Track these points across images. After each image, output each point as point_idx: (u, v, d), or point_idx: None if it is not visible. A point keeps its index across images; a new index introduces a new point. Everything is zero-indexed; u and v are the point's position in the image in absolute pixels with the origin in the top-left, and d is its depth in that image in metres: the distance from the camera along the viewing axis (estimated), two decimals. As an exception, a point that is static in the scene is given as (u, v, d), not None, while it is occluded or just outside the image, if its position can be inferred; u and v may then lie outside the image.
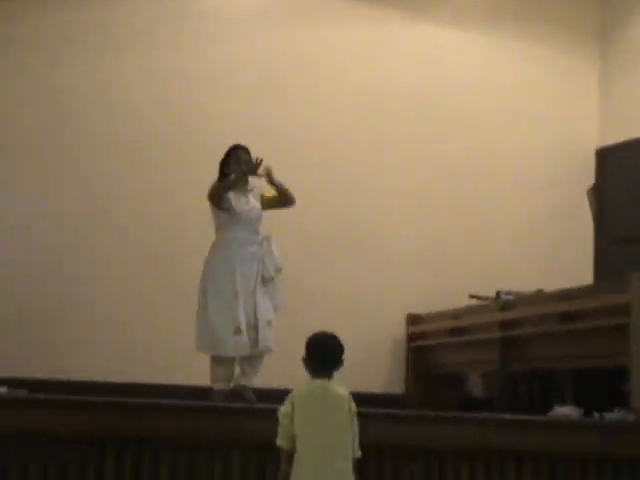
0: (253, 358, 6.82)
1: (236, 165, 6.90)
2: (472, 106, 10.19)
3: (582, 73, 10.47)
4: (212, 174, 6.98)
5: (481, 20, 10.32)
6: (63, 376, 8.36)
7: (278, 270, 6.89)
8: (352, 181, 9.76)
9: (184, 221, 9.06)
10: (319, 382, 4.65)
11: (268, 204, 7.05)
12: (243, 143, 6.99)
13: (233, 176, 6.88)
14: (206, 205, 6.91)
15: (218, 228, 6.93)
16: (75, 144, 9.24)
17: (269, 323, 6.78)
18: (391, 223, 9.83)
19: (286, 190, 6.99)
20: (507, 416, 6.34)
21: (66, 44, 9.32)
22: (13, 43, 9.21)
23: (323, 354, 4.67)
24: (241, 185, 6.93)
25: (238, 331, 6.65)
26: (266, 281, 6.83)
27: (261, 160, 6.76)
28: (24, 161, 9.17)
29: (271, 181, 6.89)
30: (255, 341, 6.72)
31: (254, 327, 6.72)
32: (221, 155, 7.03)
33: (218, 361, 6.77)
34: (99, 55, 9.38)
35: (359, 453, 4.63)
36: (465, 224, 9.99)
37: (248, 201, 6.95)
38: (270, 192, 7.01)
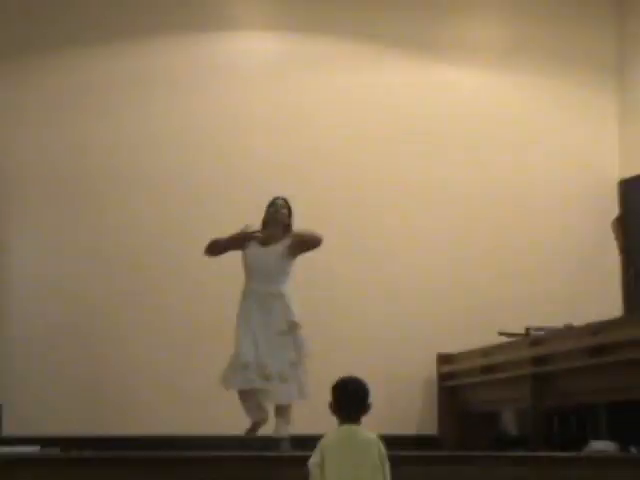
0: (279, 407, 6.95)
1: (274, 211, 7.12)
2: (493, 141, 10.20)
3: (601, 106, 10.46)
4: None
5: (497, 58, 10.35)
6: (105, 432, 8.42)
7: (293, 326, 6.92)
8: (377, 221, 9.78)
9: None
10: (346, 428, 4.60)
11: (294, 249, 7.08)
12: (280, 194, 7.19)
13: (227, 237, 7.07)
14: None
15: (245, 274, 7.10)
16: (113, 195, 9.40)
17: (282, 376, 6.84)
18: (417, 264, 9.81)
19: (307, 239, 7.06)
20: (542, 453, 6.29)
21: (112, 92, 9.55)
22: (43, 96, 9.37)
23: (349, 399, 4.63)
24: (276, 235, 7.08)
25: (244, 366, 6.77)
26: (281, 334, 6.91)
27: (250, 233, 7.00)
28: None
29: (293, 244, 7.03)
30: (276, 392, 6.85)
31: (276, 377, 6.83)
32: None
33: (240, 397, 6.91)
34: (128, 104, 9.56)
35: None
36: (491, 261, 9.96)
37: (265, 252, 7.05)
38: (296, 236, 7.08)
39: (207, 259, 7.23)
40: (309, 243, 7.08)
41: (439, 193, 10.00)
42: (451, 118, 10.12)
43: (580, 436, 7.71)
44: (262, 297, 6.95)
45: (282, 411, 6.95)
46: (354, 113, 9.93)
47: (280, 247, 7.06)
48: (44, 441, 5.98)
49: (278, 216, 7.12)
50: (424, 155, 10.01)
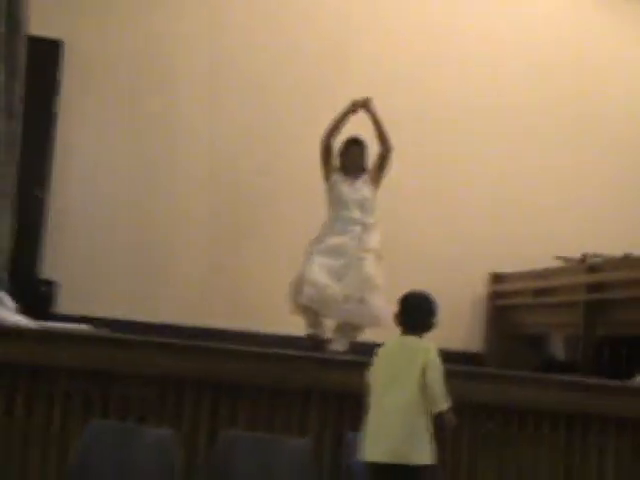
0: (342, 325, 7.17)
1: (350, 158, 7.37)
2: (573, 63, 9.94)
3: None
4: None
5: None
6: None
7: (378, 254, 7.23)
8: (440, 139, 9.59)
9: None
10: (402, 337, 4.60)
11: (373, 171, 7.39)
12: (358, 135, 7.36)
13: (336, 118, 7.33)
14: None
15: (329, 209, 7.34)
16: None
17: (347, 297, 7.04)
18: (477, 181, 9.66)
19: (383, 128, 7.37)
20: (590, 380, 6.20)
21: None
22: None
23: (409, 311, 4.61)
24: (352, 172, 7.35)
25: (311, 284, 6.95)
26: (360, 257, 7.14)
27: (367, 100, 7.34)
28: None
29: (369, 110, 7.34)
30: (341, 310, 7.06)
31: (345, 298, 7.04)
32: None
33: (300, 310, 7.11)
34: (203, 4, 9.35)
35: (439, 407, 4.40)
36: (553, 183, 9.79)
37: (354, 185, 7.32)
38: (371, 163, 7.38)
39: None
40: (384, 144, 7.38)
41: (506, 113, 9.79)
42: (528, 38, 9.87)
43: (629, 368, 7.61)
44: (351, 223, 7.22)
45: (347, 328, 7.17)
46: (422, 33, 9.68)
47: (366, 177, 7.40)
48: (96, 321, 6.02)
49: (357, 161, 7.40)
50: (492, 75, 9.78)
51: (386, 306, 6.71)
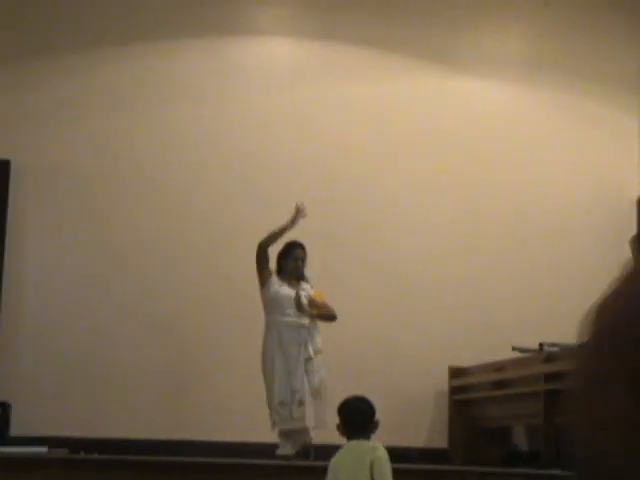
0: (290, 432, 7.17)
1: (292, 262, 7.38)
2: (509, 157, 10.14)
3: (622, 123, 10.37)
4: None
5: (517, 72, 10.29)
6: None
7: (318, 351, 7.26)
8: (388, 234, 9.69)
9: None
10: (351, 443, 4.62)
11: (314, 305, 7.39)
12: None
13: (278, 229, 7.28)
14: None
15: (266, 311, 7.36)
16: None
17: (301, 403, 7.09)
18: (432, 274, 9.73)
19: (328, 313, 7.40)
20: (554, 471, 6.20)
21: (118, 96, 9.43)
22: (67, 98, 9.27)
23: (354, 419, 4.64)
24: (292, 277, 7.40)
25: (282, 404, 7.03)
26: (306, 361, 7.21)
27: (301, 208, 7.28)
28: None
29: (312, 313, 7.33)
30: (291, 418, 7.10)
31: (294, 404, 7.10)
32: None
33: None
34: (146, 107, 9.45)
35: None
36: (506, 275, 9.89)
37: (291, 289, 7.34)
38: (320, 297, 7.41)
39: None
40: (325, 318, 7.43)
41: (453, 209, 9.92)
42: (467, 132, 10.06)
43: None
44: (293, 328, 7.23)
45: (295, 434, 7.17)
46: (367, 124, 9.85)
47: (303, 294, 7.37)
48: (51, 442, 5.93)
49: (300, 266, 7.43)
50: (438, 170, 9.94)
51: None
